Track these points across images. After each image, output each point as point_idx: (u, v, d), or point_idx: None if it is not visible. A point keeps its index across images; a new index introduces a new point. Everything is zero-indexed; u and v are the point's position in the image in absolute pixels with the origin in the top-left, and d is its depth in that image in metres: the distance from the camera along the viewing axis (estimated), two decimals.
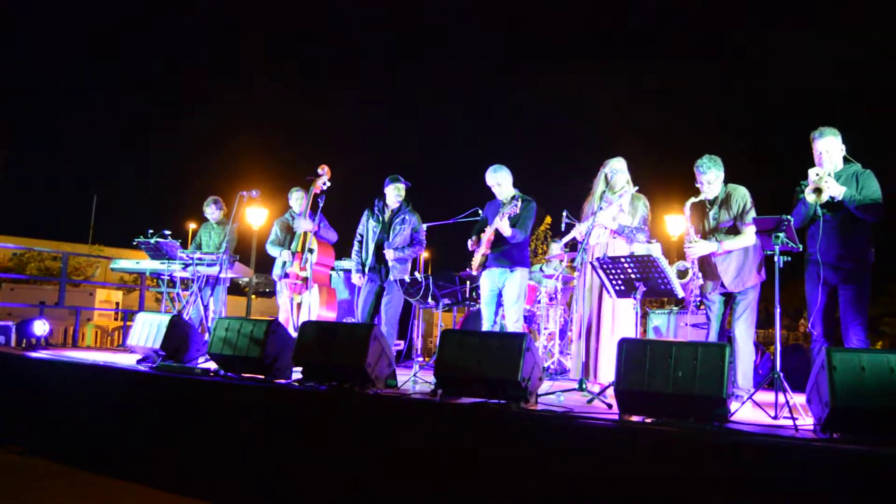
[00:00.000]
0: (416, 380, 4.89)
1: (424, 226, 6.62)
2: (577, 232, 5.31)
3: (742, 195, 4.98)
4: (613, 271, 4.49)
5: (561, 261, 7.68)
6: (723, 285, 4.89)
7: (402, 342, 7.54)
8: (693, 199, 5.06)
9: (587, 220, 5.29)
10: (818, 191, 4.33)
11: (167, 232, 7.01)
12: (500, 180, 5.83)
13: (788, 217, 4.09)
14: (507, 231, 5.59)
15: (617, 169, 5.34)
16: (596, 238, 5.33)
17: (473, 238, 5.88)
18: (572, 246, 5.80)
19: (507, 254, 5.72)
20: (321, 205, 6.77)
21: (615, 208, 5.24)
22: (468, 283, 6.43)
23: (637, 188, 5.32)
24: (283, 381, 4.80)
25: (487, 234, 5.74)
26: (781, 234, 4.05)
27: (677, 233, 12.14)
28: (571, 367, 6.51)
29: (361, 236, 6.56)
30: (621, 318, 5.09)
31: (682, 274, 4.92)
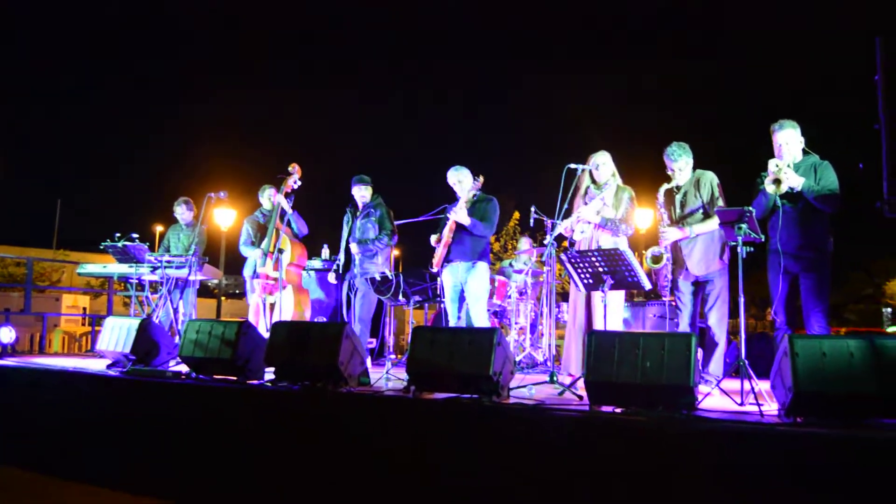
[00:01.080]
0: (388, 377, 4.90)
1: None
2: (563, 227, 5.36)
3: (710, 180, 5.06)
4: (581, 265, 4.55)
5: (530, 256, 7.75)
6: (688, 270, 4.98)
7: (374, 340, 7.56)
8: (666, 186, 5.16)
9: (571, 216, 5.37)
10: (777, 182, 4.44)
11: (135, 235, 6.95)
12: (460, 178, 5.96)
13: (751, 209, 4.18)
14: (465, 220, 5.69)
15: (600, 163, 5.40)
16: (580, 233, 5.39)
17: (436, 236, 5.95)
18: (542, 241, 5.87)
19: (469, 248, 5.82)
20: (290, 204, 6.77)
21: (598, 202, 5.30)
22: (439, 279, 6.47)
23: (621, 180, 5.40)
24: (255, 381, 4.79)
25: (448, 225, 5.83)
26: (744, 225, 4.14)
27: (644, 226, 12.27)
28: (544, 360, 6.59)
29: (342, 242, 6.71)
30: (611, 312, 5.13)
31: (656, 259, 4.99)
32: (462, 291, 5.90)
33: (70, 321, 12.88)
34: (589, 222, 5.28)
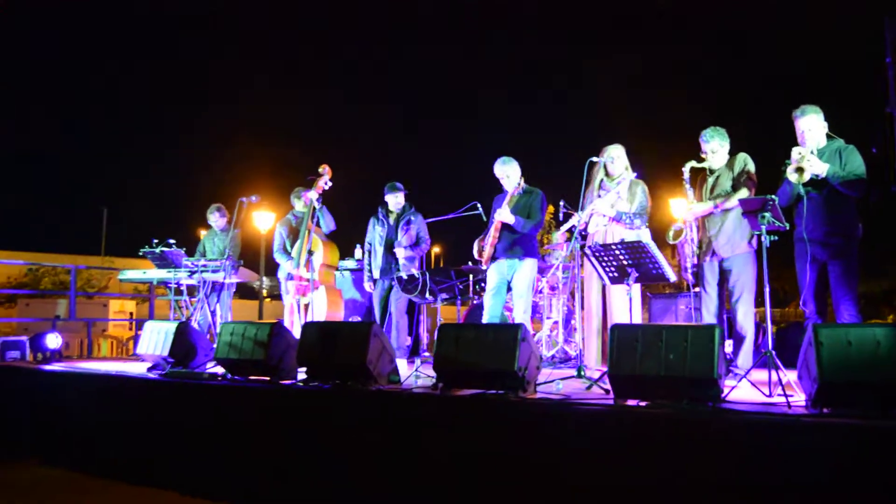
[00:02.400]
0: (418, 374, 4.95)
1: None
2: (576, 220, 5.36)
3: (742, 160, 5.00)
4: (606, 258, 4.54)
5: (562, 250, 7.74)
6: (714, 253, 4.92)
7: (409, 338, 7.64)
8: (693, 164, 5.08)
9: (586, 209, 5.34)
10: (800, 170, 4.37)
11: (171, 241, 7.12)
12: (508, 172, 5.87)
13: (773, 197, 4.12)
14: (509, 219, 5.66)
15: (614, 156, 5.37)
16: (595, 226, 5.37)
17: (477, 244, 5.96)
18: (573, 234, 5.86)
19: (517, 244, 5.77)
20: (320, 203, 6.90)
21: (613, 195, 5.27)
22: (471, 276, 6.52)
23: (636, 175, 5.35)
24: (288, 381, 4.88)
25: (493, 224, 5.82)
26: (767, 214, 4.09)
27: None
28: (576, 355, 6.58)
29: (370, 244, 6.93)
30: (627, 305, 5.12)
31: (676, 234, 4.93)
32: (508, 287, 5.87)
33: (118, 326, 13.24)
34: (604, 215, 5.26)
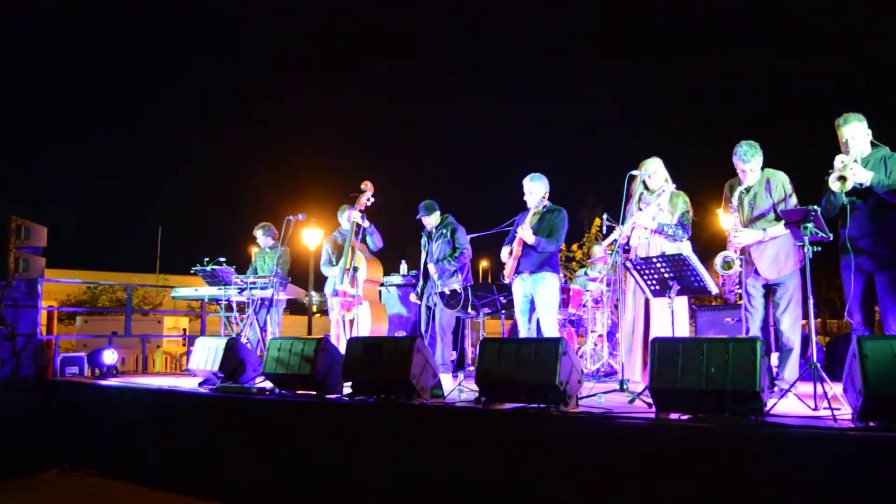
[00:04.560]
0: (461, 389, 4.99)
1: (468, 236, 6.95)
2: (618, 234, 5.37)
3: (782, 180, 4.92)
4: (647, 272, 4.54)
5: (605, 263, 7.71)
6: (758, 273, 4.86)
7: (455, 353, 7.68)
8: (732, 184, 5.07)
9: (627, 222, 5.35)
10: (843, 178, 4.30)
11: (222, 259, 7.30)
12: (532, 189, 6.02)
13: (815, 207, 4.07)
14: (530, 239, 5.81)
15: (653, 170, 5.37)
16: (637, 239, 5.37)
17: (507, 248, 6.05)
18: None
19: (536, 259, 5.90)
20: (364, 220, 7.02)
21: (654, 208, 5.27)
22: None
23: (676, 186, 5.34)
24: (333, 396, 4.97)
25: (516, 239, 5.94)
26: (810, 225, 4.04)
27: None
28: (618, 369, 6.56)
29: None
30: (669, 318, 5.09)
31: (728, 265, 4.87)
32: (532, 302, 5.97)
33: (172, 341, 13.58)
34: (646, 228, 5.26)
